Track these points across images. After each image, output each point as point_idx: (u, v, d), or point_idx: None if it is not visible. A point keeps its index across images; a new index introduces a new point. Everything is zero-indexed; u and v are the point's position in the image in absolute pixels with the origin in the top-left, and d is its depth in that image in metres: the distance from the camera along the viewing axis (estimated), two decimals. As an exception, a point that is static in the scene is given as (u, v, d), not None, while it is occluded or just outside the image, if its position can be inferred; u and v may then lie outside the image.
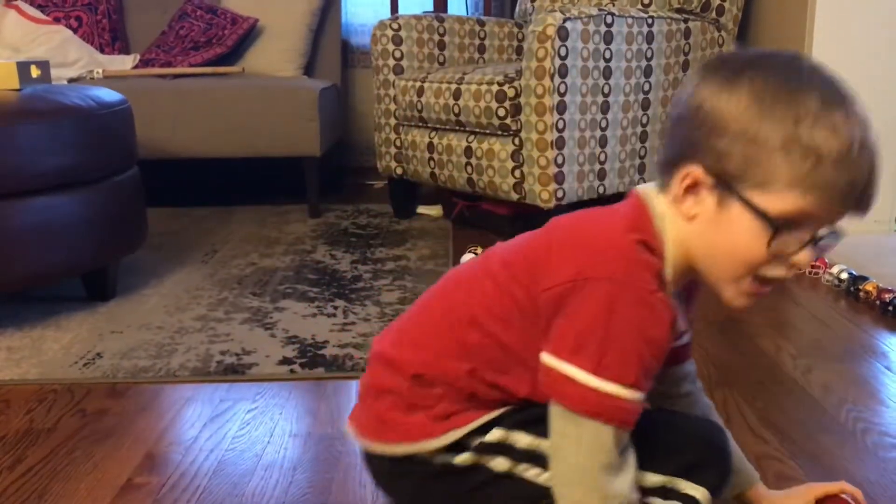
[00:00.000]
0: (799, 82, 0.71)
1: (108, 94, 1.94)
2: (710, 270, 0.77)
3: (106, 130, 1.86)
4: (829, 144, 0.68)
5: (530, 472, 0.80)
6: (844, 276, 1.93)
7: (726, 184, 0.72)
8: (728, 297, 0.77)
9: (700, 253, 0.76)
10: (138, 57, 3.16)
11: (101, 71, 2.91)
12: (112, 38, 3.23)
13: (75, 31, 3.15)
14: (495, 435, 0.80)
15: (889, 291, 1.78)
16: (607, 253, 0.74)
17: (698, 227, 0.75)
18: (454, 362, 0.79)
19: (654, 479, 0.80)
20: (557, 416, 0.75)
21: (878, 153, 0.71)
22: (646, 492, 0.80)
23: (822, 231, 0.73)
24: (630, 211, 0.78)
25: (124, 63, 3.13)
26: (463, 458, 0.80)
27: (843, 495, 0.97)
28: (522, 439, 0.80)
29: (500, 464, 0.80)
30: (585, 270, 0.73)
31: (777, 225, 0.71)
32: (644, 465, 0.79)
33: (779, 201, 0.70)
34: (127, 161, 1.97)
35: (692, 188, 0.74)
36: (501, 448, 0.80)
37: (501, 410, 0.80)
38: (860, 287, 1.86)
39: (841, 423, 1.28)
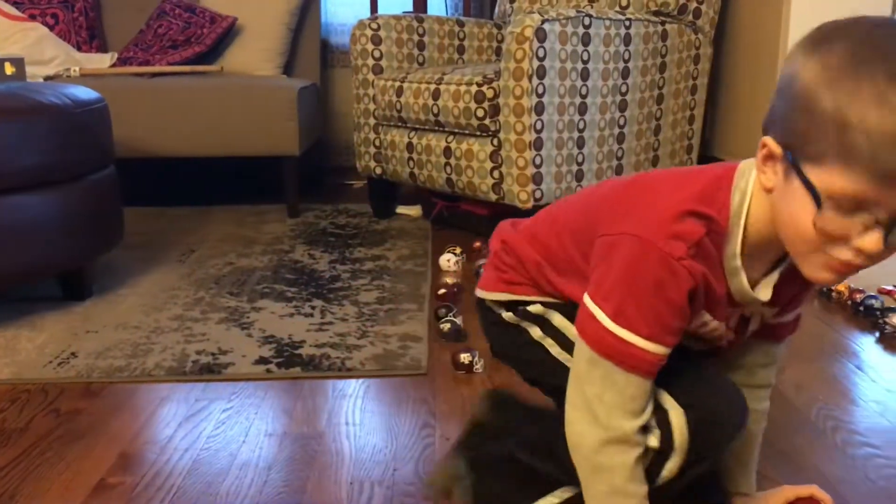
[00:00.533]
0: (873, 52, 0.67)
1: (85, 93, 1.92)
2: (786, 243, 0.77)
3: (82, 129, 1.84)
4: (885, 123, 0.64)
5: (555, 349, 0.93)
6: (817, 276, 1.96)
7: (792, 154, 0.71)
8: (806, 271, 0.76)
9: (777, 225, 0.77)
10: (116, 55, 3.14)
11: (77, 69, 2.89)
12: (89, 36, 3.21)
13: (52, 28, 3.12)
14: (537, 308, 0.95)
15: (860, 292, 1.81)
16: (653, 216, 0.78)
17: (774, 198, 0.76)
18: (532, 251, 0.94)
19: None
20: (580, 349, 0.83)
21: None
22: None
23: (887, 216, 0.69)
24: (710, 179, 0.81)
25: (102, 61, 3.10)
26: (508, 316, 0.97)
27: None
28: (556, 318, 0.93)
29: (535, 332, 0.95)
30: (630, 228, 0.79)
31: (821, 201, 0.69)
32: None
33: (828, 177, 0.68)
34: (103, 160, 1.95)
35: (768, 159, 0.74)
36: (538, 319, 0.95)
37: (548, 298, 0.94)
38: (833, 288, 1.88)
39: (812, 422, 1.30)
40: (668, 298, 0.77)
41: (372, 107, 2.69)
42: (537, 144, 2.18)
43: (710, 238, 0.78)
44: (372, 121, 2.70)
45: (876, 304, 1.74)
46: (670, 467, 0.84)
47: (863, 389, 1.44)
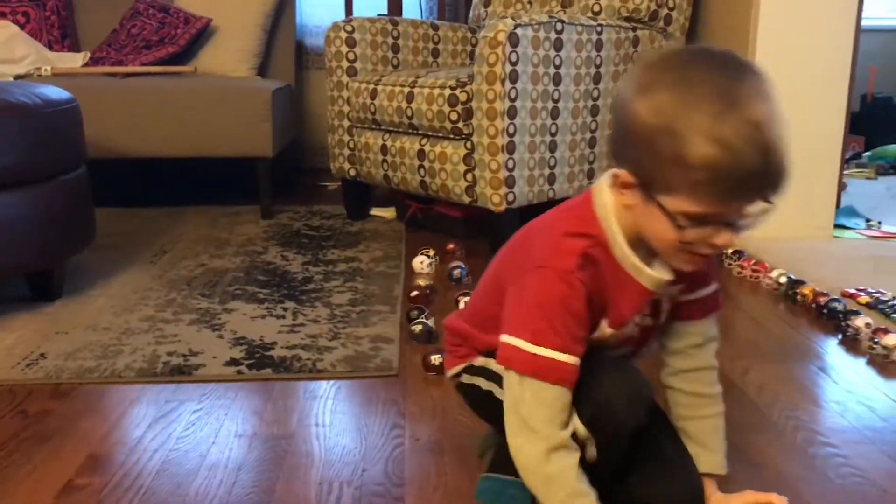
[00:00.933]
0: (693, 94, 0.79)
1: (56, 93, 1.91)
2: (653, 247, 0.90)
3: (53, 129, 1.83)
4: (715, 156, 0.77)
5: (497, 390, 1.01)
6: (783, 279, 1.99)
7: (644, 186, 0.84)
8: (674, 265, 0.91)
9: (643, 234, 0.89)
10: (88, 55, 3.12)
11: (49, 68, 2.87)
12: (61, 35, 3.18)
13: (23, 27, 3.10)
14: (479, 361, 1.06)
15: (824, 295, 1.85)
16: (544, 249, 0.92)
17: (636, 214, 0.88)
18: (467, 325, 1.07)
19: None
20: (508, 379, 0.93)
21: (776, 146, 0.78)
22: None
23: (734, 218, 0.83)
24: (576, 205, 0.95)
25: (74, 60, 3.08)
26: (466, 378, 1.08)
27: None
28: (493, 365, 1.00)
29: (482, 382, 1.05)
30: (530, 266, 0.92)
31: (681, 224, 0.82)
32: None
33: (680, 204, 0.82)
34: (74, 160, 1.95)
35: (625, 186, 0.87)
36: (482, 371, 1.05)
37: (488, 356, 1.04)
38: (798, 291, 1.92)
39: (773, 422, 1.33)
40: (573, 310, 0.90)
41: (346, 109, 2.70)
42: (510, 148, 2.20)
43: (595, 250, 0.90)
44: (346, 123, 2.71)
45: (839, 307, 1.78)
46: (590, 454, 0.94)
47: (824, 390, 1.47)
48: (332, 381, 1.49)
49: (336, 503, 1.09)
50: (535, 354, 0.89)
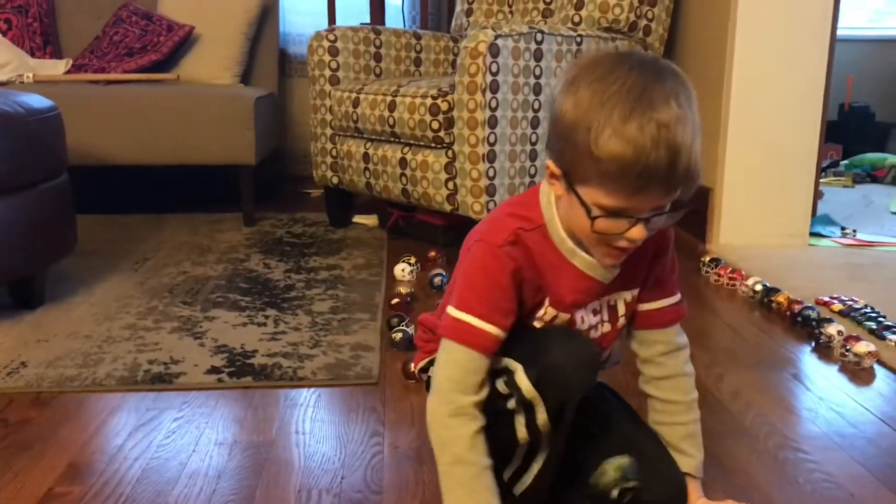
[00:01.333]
0: (609, 92, 0.84)
1: (37, 101, 1.92)
2: (579, 237, 0.95)
3: (34, 137, 1.84)
4: (621, 151, 0.82)
5: None
6: (759, 287, 2.03)
7: (566, 176, 0.90)
8: (596, 257, 0.96)
9: (569, 223, 0.95)
10: (70, 62, 3.12)
11: (31, 75, 2.87)
12: (43, 42, 3.18)
13: (4, 33, 3.09)
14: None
15: (799, 303, 1.88)
16: (483, 225, 1.00)
17: (563, 204, 0.95)
18: (433, 317, 1.11)
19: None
20: (441, 344, 0.99)
21: (682, 147, 0.83)
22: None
23: (645, 214, 0.88)
24: (526, 193, 1.02)
25: (56, 68, 3.08)
26: (431, 371, 1.05)
27: None
28: None
29: None
30: (470, 241, 1.00)
31: (594, 215, 0.88)
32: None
33: (594, 195, 0.87)
34: (56, 168, 1.95)
35: (553, 177, 0.93)
36: None
37: None
38: (773, 298, 1.95)
39: (746, 428, 1.35)
40: (498, 281, 0.95)
41: (329, 117, 2.71)
42: (490, 157, 2.22)
43: (532, 232, 0.96)
44: (329, 131, 2.72)
45: (812, 314, 1.81)
46: (541, 419, 0.96)
47: (797, 397, 1.50)
48: (312, 389, 1.50)
49: (315, 510, 1.10)
50: (456, 318, 0.96)
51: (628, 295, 1.04)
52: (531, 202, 0.99)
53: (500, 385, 0.98)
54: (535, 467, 1.02)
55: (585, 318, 1.02)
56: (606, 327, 1.04)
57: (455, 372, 0.96)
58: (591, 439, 1.07)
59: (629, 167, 0.82)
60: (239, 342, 1.71)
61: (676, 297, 1.08)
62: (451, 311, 0.97)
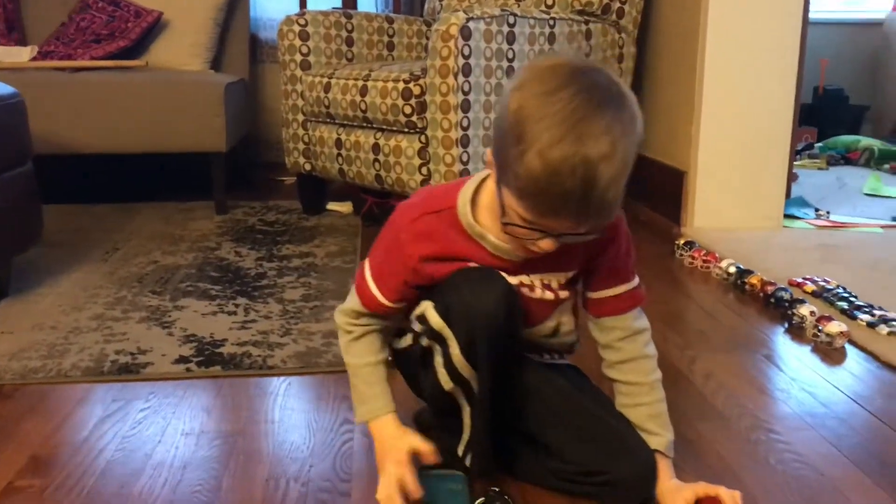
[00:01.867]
0: (549, 111, 0.83)
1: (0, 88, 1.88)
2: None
3: (-5, 125, 1.80)
4: (539, 174, 0.83)
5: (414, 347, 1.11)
6: (732, 269, 2.03)
7: (497, 169, 0.92)
8: (511, 248, 0.99)
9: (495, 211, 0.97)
10: (36, 49, 3.06)
11: (-5, 62, 2.81)
12: (8, 29, 3.11)
13: (-32, 20, 3.03)
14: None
15: (772, 284, 1.88)
16: (403, 205, 1.06)
17: (491, 190, 0.97)
18: None
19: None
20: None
21: (601, 184, 0.82)
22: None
23: (556, 232, 0.90)
24: (457, 182, 1.05)
25: (21, 55, 3.01)
26: (394, 342, 1.16)
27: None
28: (417, 324, 1.09)
29: (406, 340, 1.13)
30: None
31: (505, 220, 0.92)
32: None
33: (511, 200, 0.89)
34: (19, 156, 1.91)
35: (490, 166, 0.95)
36: (406, 329, 1.14)
37: None
38: (746, 280, 1.95)
39: (718, 410, 1.35)
40: (392, 254, 1.03)
41: (300, 103, 2.68)
42: (464, 141, 2.20)
43: (442, 214, 1.01)
44: (300, 117, 2.69)
45: (785, 296, 1.81)
46: (455, 354, 1.01)
47: (769, 378, 1.50)
48: (282, 378, 1.48)
49: (283, 499, 1.08)
50: (363, 274, 1.07)
51: (562, 277, 1.06)
52: (453, 188, 1.03)
53: (415, 324, 1.07)
54: (467, 419, 1.05)
55: (510, 279, 1.03)
56: (549, 296, 1.06)
57: (352, 312, 1.09)
58: (558, 418, 1.07)
59: (543, 190, 0.83)
60: (208, 331, 1.68)
61: (633, 283, 1.08)
62: (366, 259, 1.08)
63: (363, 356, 1.11)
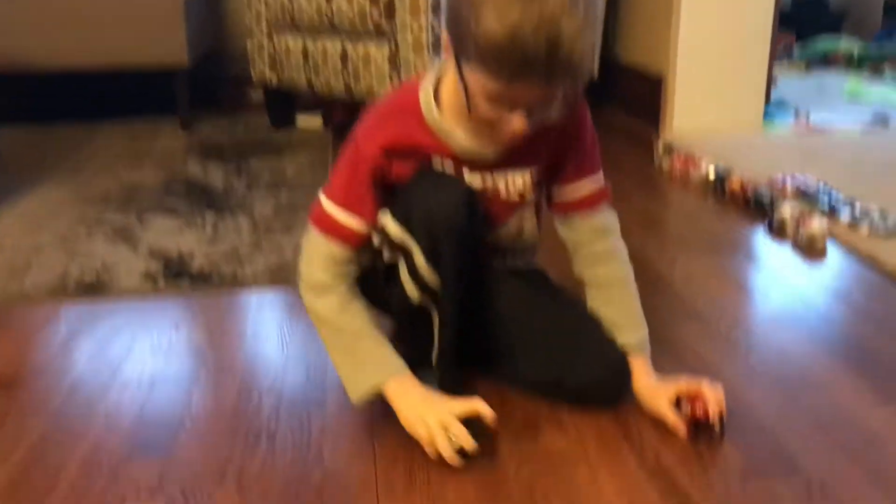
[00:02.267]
0: None
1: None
2: (463, 117, 0.94)
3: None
4: (500, 35, 0.78)
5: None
6: (712, 172, 1.99)
7: (454, 49, 0.87)
8: (480, 141, 0.96)
9: (457, 103, 0.92)
10: (-19, -41, 2.89)
11: (-63, -26, 2.64)
12: (-50, -61, 2.93)
13: None
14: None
15: (752, 185, 1.84)
16: (366, 115, 1.01)
17: (452, 82, 0.92)
18: None
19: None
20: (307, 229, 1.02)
21: (563, 40, 0.78)
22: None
23: (526, 105, 0.85)
24: (420, 73, 1.02)
25: (-35, -34, 2.85)
26: None
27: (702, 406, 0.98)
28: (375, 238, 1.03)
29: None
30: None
31: (469, 92, 0.87)
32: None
33: (473, 75, 0.85)
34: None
35: (447, 50, 0.89)
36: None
37: None
38: (726, 181, 1.92)
39: (698, 311, 1.33)
40: (356, 168, 0.97)
41: (264, 11, 2.56)
42: (436, 46, 2.12)
43: (401, 115, 0.97)
44: (265, 26, 2.57)
45: (766, 195, 1.78)
46: (419, 262, 0.97)
47: (750, 278, 1.48)
48: (253, 291, 1.44)
49: (256, 411, 1.05)
50: (322, 206, 1.00)
51: (528, 175, 1.02)
52: (408, 89, 0.99)
53: (375, 238, 1.01)
54: (436, 323, 1.01)
55: (473, 182, 1.00)
56: (504, 195, 1.02)
57: (315, 257, 1.01)
58: (525, 321, 1.05)
59: (506, 51, 0.79)
60: (176, 247, 1.63)
61: (599, 177, 1.06)
62: (321, 198, 1.00)
63: (361, 313, 1.01)
